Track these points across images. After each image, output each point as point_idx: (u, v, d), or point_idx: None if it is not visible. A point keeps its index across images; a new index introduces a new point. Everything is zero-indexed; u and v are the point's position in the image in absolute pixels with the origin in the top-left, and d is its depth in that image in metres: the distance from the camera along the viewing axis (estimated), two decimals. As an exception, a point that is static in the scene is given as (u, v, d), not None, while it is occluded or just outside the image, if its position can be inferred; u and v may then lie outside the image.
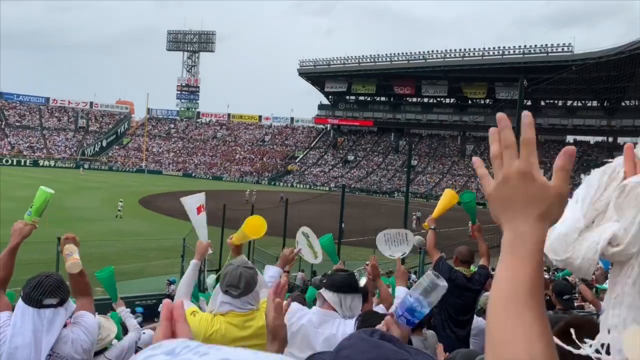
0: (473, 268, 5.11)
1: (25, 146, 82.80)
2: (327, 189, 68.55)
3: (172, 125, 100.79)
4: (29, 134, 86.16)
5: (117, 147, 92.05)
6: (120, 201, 36.64)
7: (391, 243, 4.50)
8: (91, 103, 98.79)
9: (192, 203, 3.47)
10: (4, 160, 74.36)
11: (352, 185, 71.08)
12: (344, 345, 0.92)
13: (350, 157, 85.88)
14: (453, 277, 4.69)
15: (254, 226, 3.18)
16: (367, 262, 4.70)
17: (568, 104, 76.91)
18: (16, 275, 2.50)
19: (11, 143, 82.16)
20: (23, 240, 2.58)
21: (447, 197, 5.13)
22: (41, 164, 77.01)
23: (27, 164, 75.53)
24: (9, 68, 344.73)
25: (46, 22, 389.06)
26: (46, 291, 2.24)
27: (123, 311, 4.96)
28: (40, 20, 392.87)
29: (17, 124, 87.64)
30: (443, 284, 1.47)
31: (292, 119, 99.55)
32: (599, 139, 75.77)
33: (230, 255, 3.27)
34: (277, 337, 1.83)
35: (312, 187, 73.58)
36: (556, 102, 77.56)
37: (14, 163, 74.45)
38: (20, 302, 2.26)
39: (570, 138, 78.09)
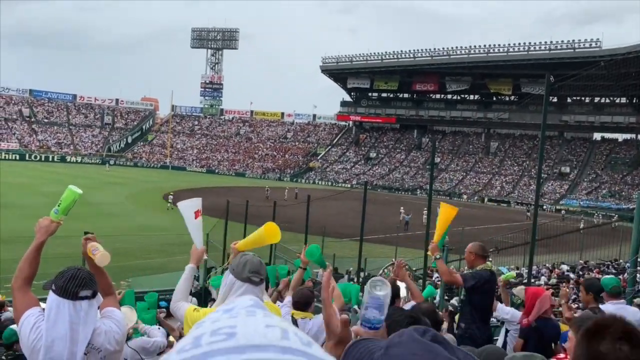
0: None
1: (53, 142, 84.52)
2: (349, 186, 68.47)
3: (196, 122, 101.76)
4: (57, 131, 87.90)
5: (142, 143, 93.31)
6: (171, 194, 38.41)
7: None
8: (117, 100, 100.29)
9: (190, 207, 3.44)
10: (32, 156, 76.06)
11: (374, 183, 70.85)
12: (394, 343, 0.88)
13: (373, 154, 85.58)
14: (486, 278, 4.47)
15: (272, 232, 3.47)
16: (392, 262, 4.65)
17: (595, 101, 75.33)
18: (43, 269, 2.55)
19: (39, 139, 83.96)
20: (48, 237, 2.62)
21: (444, 215, 4.65)
22: (68, 160, 78.51)
23: (55, 159, 77.12)
24: (38, 66, 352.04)
25: (75, 22, 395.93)
26: (81, 283, 2.27)
27: (142, 327, 5.07)
28: (69, 20, 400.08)
29: (46, 120, 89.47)
30: (379, 293, 1.54)
31: (314, 115, 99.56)
32: (628, 136, 74.03)
33: (230, 259, 3.36)
34: (343, 341, 1.87)
35: (334, 184, 73.57)
36: (583, 98, 76.01)
37: (42, 159, 76.11)
38: (53, 295, 2.27)
39: (597, 135, 76.49)
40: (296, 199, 40.35)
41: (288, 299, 4.23)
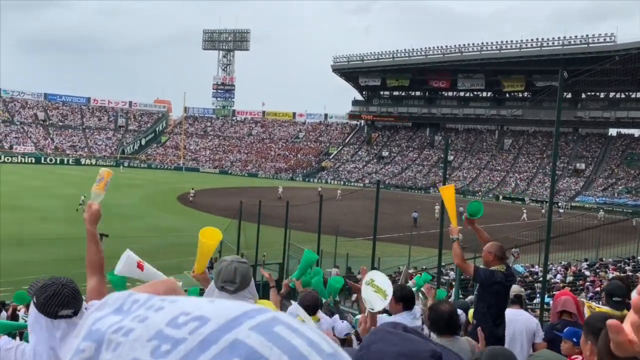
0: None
1: (67, 145, 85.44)
2: (362, 185, 68.36)
3: (209, 123, 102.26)
4: (71, 134, 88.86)
5: (155, 145, 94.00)
6: (192, 189, 42.50)
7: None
8: (130, 102, 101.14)
9: (128, 266, 3.20)
10: (48, 159, 76.98)
11: (387, 182, 70.66)
12: (372, 340, 0.93)
13: (385, 153, 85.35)
14: (498, 279, 4.43)
15: (209, 235, 3.17)
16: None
17: (611, 96, 74.39)
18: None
19: (54, 142, 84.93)
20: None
21: (448, 196, 4.77)
22: (83, 162, 79.28)
23: (70, 162, 77.94)
24: (52, 70, 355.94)
25: (88, 28, 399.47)
26: (63, 302, 2.06)
27: None
28: (81, 25, 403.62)
29: (60, 123, 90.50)
30: None
31: (325, 115, 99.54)
32: (644, 131, 73.03)
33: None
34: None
35: (346, 183, 73.51)
36: (598, 94, 75.11)
37: (58, 162, 76.96)
38: (34, 310, 2.09)
39: (613, 131, 75.53)
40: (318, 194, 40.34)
41: (292, 306, 4.07)
